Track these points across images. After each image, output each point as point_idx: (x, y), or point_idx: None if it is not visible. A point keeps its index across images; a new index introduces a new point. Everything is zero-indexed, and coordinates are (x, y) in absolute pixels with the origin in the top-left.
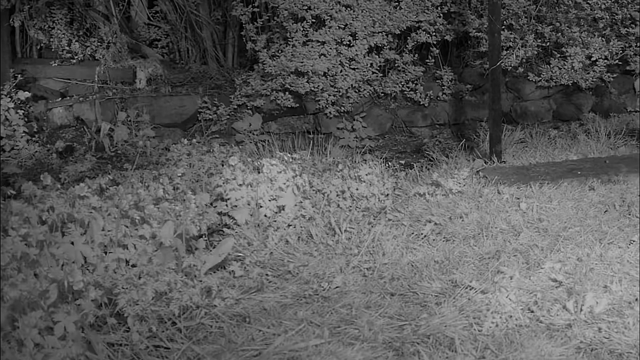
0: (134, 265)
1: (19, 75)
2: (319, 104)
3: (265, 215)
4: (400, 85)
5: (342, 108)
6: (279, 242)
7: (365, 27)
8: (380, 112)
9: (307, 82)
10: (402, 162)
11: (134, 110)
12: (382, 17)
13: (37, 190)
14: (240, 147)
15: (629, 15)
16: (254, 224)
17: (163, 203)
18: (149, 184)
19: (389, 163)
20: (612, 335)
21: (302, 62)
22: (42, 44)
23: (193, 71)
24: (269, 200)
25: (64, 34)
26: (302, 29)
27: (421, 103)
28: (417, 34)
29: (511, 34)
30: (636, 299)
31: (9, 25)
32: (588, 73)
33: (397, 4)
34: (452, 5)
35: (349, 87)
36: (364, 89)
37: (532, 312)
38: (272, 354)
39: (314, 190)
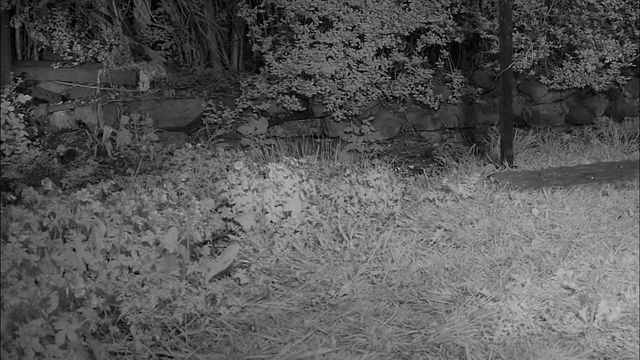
0: (137, 273)
1: (20, 78)
2: (326, 108)
3: (271, 221)
4: (410, 88)
5: (350, 112)
6: (285, 248)
7: (373, 28)
8: (388, 115)
9: (314, 85)
10: (411, 166)
11: (137, 114)
12: (390, 18)
13: (38, 195)
14: (245, 151)
15: None
16: (259, 230)
17: (167, 209)
18: (152, 189)
19: (398, 168)
20: (626, 344)
21: (309, 65)
22: (43, 46)
23: (197, 74)
24: (275, 206)
25: (65, 35)
26: (308, 30)
27: (431, 106)
28: (426, 35)
29: (523, 35)
30: None
31: (9, 27)
32: (601, 76)
33: (406, 5)
34: (463, 6)
35: (357, 90)
36: (372, 92)
37: (544, 320)
38: None
39: (321, 195)
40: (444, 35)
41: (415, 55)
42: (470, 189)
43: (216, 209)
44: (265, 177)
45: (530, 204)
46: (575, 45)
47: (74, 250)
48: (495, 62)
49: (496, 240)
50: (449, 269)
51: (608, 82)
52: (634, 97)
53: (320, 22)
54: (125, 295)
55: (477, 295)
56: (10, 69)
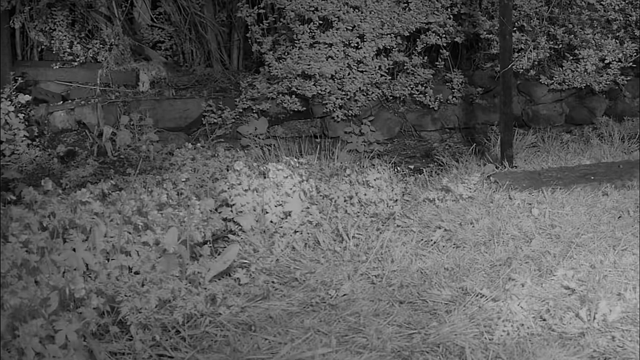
0: (137, 273)
1: (20, 78)
2: (326, 108)
3: (271, 221)
4: (410, 88)
5: (350, 112)
6: (285, 248)
7: (373, 28)
8: (389, 115)
9: (314, 85)
10: (411, 166)
11: (137, 114)
12: (390, 18)
13: (38, 195)
14: (245, 151)
15: None
16: (259, 230)
17: (167, 209)
18: (152, 189)
19: (398, 168)
20: (626, 344)
21: (309, 65)
22: (43, 46)
23: (197, 74)
24: (275, 206)
25: (65, 35)
26: (308, 30)
27: (431, 106)
28: (426, 35)
29: (523, 35)
30: None
31: (9, 27)
32: (601, 76)
33: (406, 5)
34: (463, 6)
35: (357, 90)
36: (372, 92)
37: (544, 320)
38: None
39: (321, 195)
40: (444, 35)
41: (415, 55)
42: (470, 189)
43: (216, 209)
44: (265, 177)
45: (530, 204)
46: (575, 45)
47: (74, 250)
48: (495, 62)
49: (496, 240)
50: (449, 269)
51: (608, 82)
52: (634, 97)
53: (320, 22)
54: (125, 295)
55: (477, 295)
56: (10, 69)
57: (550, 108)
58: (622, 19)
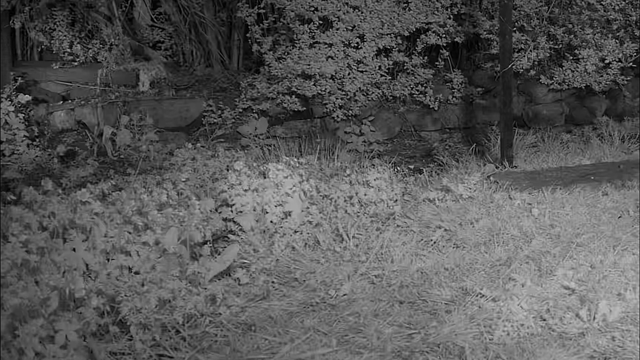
0: (137, 273)
1: (20, 78)
2: (326, 108)
3: (271, 221)
4: (410, 88)
5: (350, 111)
6: (285, 248)
7: (373, 28)
8: (389, 115)
9: (314, 85)
10: (411, 166)
11: (137, 114)
12: (390, 18)
13: (38, 195)
14: (245, 151)
15: None
16: (259, 230)
17: (167, 209)
18: (152, 189)
19: (398, 168)
20: (626, 344)
21: (309, 65)
22: (43, 46)
23: (197, 74)
24: (275, 206)
25: (65, 35)
26: (308, 30)
27: (431, 106)
28: (426, 35)
29: (523, 35)
30: None
31: (9, 27)
32: (601, 76)
33: (406, 5)
34: (463, 6)
35: (357, 90)
36: (372, 92)
37: (544, 320)
38: None
39: (321, 195)
40: (444, 35)
41: (415, 55)
42: (470, 189)
43: (216, 209)
44: (265, 177)
45: (530, 203)
46: (575, 45)
47: (74, 250)
48: (495, 62)
49: (496, 240)
50: (449, 269)
51: (608, 82)
52: (634, 97)
53: (320, 22)
54: (125, 295)
55: (477, 295)
56: (10, 69)
57: (550, 108)
58: (622, 19)
